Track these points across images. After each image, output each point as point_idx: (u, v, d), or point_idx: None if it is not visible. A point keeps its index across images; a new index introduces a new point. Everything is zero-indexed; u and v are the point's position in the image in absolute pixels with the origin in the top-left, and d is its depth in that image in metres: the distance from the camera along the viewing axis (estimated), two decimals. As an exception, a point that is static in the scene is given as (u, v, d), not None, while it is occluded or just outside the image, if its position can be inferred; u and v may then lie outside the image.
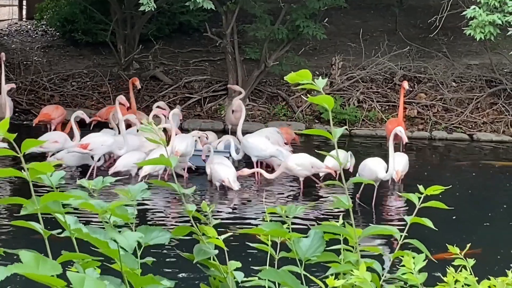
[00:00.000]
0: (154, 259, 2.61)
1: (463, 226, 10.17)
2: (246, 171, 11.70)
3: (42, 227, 2.33)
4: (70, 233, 2.31)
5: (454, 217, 10.27)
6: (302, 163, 11.52)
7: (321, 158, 11.59)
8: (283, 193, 11.77)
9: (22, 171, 2.37)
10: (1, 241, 8.79)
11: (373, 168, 10.91)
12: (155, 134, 2.62)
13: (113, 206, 2.42)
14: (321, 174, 11.84)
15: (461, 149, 15.93)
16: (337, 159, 2.79)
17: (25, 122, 16.48)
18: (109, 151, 12.25)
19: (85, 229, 2.32)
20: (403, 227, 2.91)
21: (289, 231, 2.70)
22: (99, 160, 12.21)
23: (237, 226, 9.64)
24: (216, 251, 2.64)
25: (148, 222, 9.83)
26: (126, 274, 2.29)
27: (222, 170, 11.34)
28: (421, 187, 2.95)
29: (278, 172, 11.64)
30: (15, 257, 2.14)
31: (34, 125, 14.14)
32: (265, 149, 12.07)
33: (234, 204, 11.16)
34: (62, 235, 2.41)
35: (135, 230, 2.51)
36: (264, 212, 2.86)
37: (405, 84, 13.46)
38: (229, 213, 10.71)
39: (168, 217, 10.21)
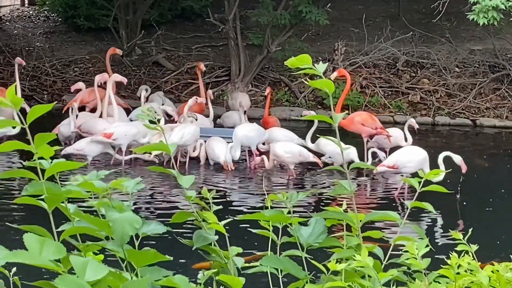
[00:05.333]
0: (154, 249, 2.60)
1: (466, 211, 10.17)
2: (257, 160, 11.69)
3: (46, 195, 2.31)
4: (70, 217, 2.30)
5: (466, 203, 10.28)
6: (291, 151, 11.52)
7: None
8: (284, 181, 11.77)
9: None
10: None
11: (422, 157, 10.77)
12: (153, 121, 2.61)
13: (114, 184, 2.41)
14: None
15: (464, 135, 15.92)
16: (339, 144, 2.77)
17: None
18: (133, 140, 11.84)
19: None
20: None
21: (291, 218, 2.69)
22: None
23: (238, 212, 9.64)
24: (216, 237, 2.63)
25: (150, 209, 9.85)
26: (127, 253, 2.28)
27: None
28: (420, 172, 2.94)
29: (271, 161, 11.63)
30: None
31: (63, 112, 13.05)
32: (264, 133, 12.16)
33: (235, 190, 11.18)
34: (61, 228, 2.39)
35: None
36: (264, 199, 2.85)
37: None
38: (230, 198, 10.71)
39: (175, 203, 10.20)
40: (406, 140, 12.33)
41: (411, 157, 10.82)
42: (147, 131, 11.66)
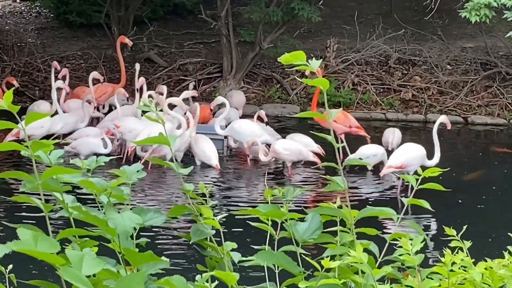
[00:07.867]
0: (149, 240, 2.60)
1: (457, 209, 10.19)
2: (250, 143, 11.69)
3: (43, 202, 2.31)
4: (68, 212, 2.30)
5: (460, 201, 10.30)
6: (290, 148, 11.48)
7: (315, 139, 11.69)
8: (283, 176, 11.77)
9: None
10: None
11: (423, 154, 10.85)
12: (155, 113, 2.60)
13: (113, 184, 2.41)
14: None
15: (455, 132, 15.94)
16: (332, 141, 2.77)
17: (19, 104, 16.41)
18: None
19: (83, 208, 2.31)
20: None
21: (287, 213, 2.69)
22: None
23: (237, 207, 9.65)
24: (213, 232, 2.63)
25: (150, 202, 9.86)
26: (125, 252, 2.28)
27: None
28: (419, 169, 2.95)
29: (270, 156, 11.62)
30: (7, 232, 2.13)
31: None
32: (259, 133, 12.04)
33: (234, 185, 11.20)
34: (59, 215, 2.40)
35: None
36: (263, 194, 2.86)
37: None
38: (228, 194, 10.73)
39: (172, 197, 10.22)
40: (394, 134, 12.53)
41: (415, 154, 10.87)
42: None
